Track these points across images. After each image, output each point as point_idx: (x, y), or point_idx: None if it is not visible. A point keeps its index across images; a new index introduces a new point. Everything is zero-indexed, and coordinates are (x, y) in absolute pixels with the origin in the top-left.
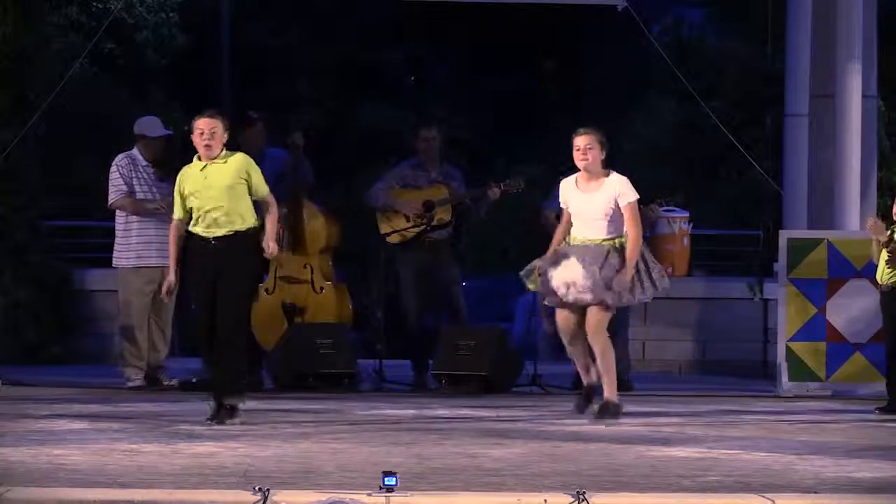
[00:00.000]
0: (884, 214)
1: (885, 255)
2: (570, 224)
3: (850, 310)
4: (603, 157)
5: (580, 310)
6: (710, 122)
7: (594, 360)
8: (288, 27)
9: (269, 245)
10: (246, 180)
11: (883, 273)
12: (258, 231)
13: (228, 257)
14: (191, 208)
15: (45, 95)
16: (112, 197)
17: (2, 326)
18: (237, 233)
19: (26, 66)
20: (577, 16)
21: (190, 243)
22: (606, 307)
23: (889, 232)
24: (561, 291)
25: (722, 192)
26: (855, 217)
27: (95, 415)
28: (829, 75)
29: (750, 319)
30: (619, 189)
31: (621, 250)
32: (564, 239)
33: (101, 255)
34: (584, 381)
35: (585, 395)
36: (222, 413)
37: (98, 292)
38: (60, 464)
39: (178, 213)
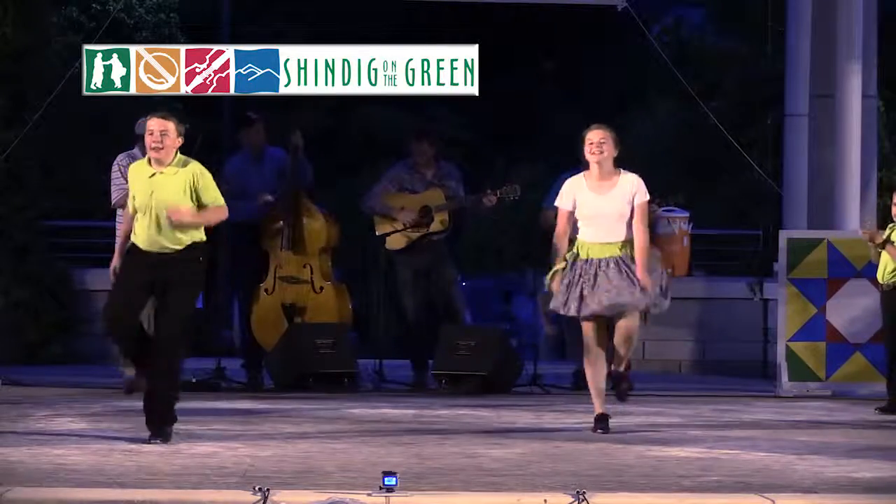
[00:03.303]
0: (884, 216)
1: (884, 256)
2: (569, 226)
3: (850, 310)
4: (615, 154)
5: (605, 319)
6: (710, 122)
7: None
8: (288, 27)
9: (177, 213)
10: (192, 194)
11: (884, 273)
12: (205, 246)
13: (173, 271)
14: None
15: (45, 95)
16: (114, 196)
17: (2, 326)
18: (182, 248)
19: (26, 66)
20: (577, 16)
21: (130, 248)
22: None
23: (887, 232)
24: (594, 308)
25: (722, 192)
26: (855, 217)
27: (95, 415)
28: (829, 75)
29: (750, 319)
30: (636, 188)
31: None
32: (571, 245)
33: (101, 255)
34: (596, 409)
35: (600, 423)
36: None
37: (98, 292)
38: (60, 464)
39: (132, 208)
